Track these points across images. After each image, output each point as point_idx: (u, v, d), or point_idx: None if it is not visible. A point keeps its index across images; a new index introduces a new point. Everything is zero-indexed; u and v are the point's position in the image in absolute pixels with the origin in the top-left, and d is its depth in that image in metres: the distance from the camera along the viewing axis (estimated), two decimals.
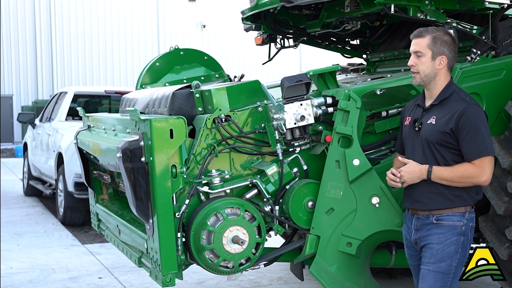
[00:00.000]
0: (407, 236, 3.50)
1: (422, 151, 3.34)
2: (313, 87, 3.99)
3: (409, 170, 3.31)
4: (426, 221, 3.35)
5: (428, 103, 3.41)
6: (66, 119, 9.85)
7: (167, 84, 5.00)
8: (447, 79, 3.38)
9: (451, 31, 3.72)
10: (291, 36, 5.49)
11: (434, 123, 3.31)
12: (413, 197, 3.39)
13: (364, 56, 5.62)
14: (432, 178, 3.27)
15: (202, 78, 5.10)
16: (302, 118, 3.73)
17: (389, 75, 4.40)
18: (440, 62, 3.33)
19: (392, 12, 4.01)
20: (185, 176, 3.67)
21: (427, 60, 3.32)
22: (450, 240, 3.28)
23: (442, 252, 3.28)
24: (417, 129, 3.38)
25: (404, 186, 3.37)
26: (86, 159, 5.02)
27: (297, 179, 3.87)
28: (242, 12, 5.22)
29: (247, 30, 5.50)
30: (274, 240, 4.39)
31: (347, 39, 5.66)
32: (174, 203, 3.63)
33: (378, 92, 3.87)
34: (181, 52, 5.11)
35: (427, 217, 3.35)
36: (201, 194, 3.75)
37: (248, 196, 3.80)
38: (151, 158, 3.52)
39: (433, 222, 3.32)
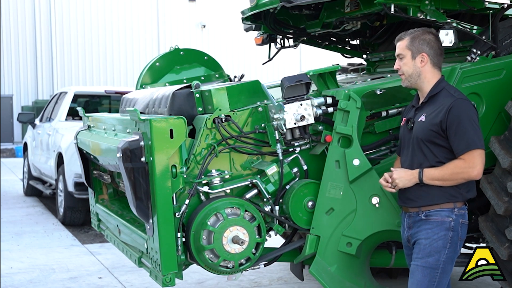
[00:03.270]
0: (403, 236, 3.53)
1: (412, 149, 3.38)
2: (313, 87, 3.99)
3: (400, 176, 3.34)
4: (416, 218, 3.38)
5: (420, 102, 3.46)
6: (66, 119, 9.85)
7: (167, 84, 5.00)
8: (435, 77, 3.41)
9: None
10: (291, 36, 5.49)
11: (424, 120, 3.35)
12: (404, 195, 3.43)
13: (364, 56, 5.62)
14: (424, 180, 3.30)
15: (202, 78, 5.10)
16: (302, 118, 3.73)
17: (389, 75, 4.40)
18: (421, 60, 3.38)
19: (392, 12, 4.01)
20: (185, 176, 3.67)
21: (408, 61, 3.40)
22: (437, 235, 3.30)
23: (429, 247, 3.30)
24: (409, 128, 3.43)
25: (397, 189, 3.41)
26: (86, 159, 5.02)
27: (297, 179, 3.87)
28: (242, 12, 5.22)
29: (247, 30, 5.50)
30: (274, 240, 4.39)
31: (347, 39, 5.66)
32: (174, 203, 3.63)
33: (378, 92, 3.88)
34: (181, 52, 5.11)
35: (417, 214, 3.38)
36: (201, 194, 3.75)
37: (248, 196, 3.80)
38: (151, 158, 3.52)
39: (422, 218, 3.35)
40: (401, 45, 3.42)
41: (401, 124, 3.54)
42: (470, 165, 3.23)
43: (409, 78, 3.42)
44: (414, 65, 3.39)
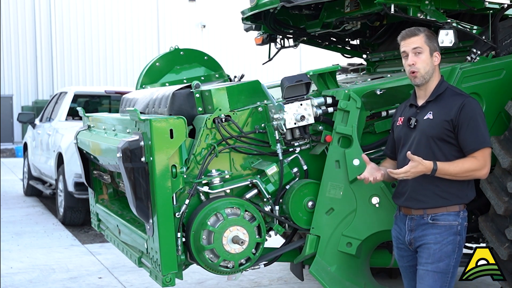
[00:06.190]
0: (399, 237, 3.47)
1: (415, 147, 3.30)
2: (313, 87, 3.99)
3: (416, 170, 3.18)
4: (421, 221, 3.33)
5: (421, 101, 3.40)
6: (66, 119, 9.85)
7: (167, 84, 5.00)
8: (439, 76, 3.41)
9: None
10: (291, 36, 5.49)
11: (432, 118, 3.30)
12: (406, 195, 3.37)
13: (364, 56, 5.62)
14: (436, 174, 3.21)
15: (202, 78, 5.10)
16: (302, 118, 3.73)
17: (389, 75, 4.40)
18: (436, 58, 3.37)
19: (392, 12, 4.01)
20: (185, 176, 3.67)
21: (427, 57, 3.34)
22: (447, 240, 3.28)
23: (440, 252, 3.28)
24: (412, 126, 3.35)
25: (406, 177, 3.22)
26: (86, 159, 5.02)
27: (297, 179, 3.87)
28: (242, 12, 5.22)
29: (247, 30, 5.50)
30: (274, 240, 4.39)
31: (347, 39, 5.66)
32: (174, 203, 3.63)
33: (378, 92, 3.88)
34: (181, 52, 5.10)
35: (421, 217, 3.33)
36: (201, 194, 3.75)
37: (248, 196, 3.80)
38: (151, 158, 3.52)
39: (428, 222, 3.31)
40: (418, 41, 3.34)
41: (398, 124, 3.47)
42: (482, 164, 3.22)
43: (425, 75, 3.34)
44: (431, 62, 3.35)
